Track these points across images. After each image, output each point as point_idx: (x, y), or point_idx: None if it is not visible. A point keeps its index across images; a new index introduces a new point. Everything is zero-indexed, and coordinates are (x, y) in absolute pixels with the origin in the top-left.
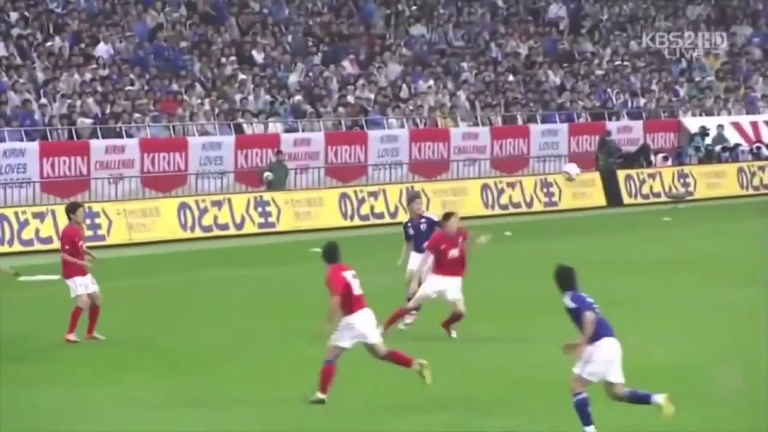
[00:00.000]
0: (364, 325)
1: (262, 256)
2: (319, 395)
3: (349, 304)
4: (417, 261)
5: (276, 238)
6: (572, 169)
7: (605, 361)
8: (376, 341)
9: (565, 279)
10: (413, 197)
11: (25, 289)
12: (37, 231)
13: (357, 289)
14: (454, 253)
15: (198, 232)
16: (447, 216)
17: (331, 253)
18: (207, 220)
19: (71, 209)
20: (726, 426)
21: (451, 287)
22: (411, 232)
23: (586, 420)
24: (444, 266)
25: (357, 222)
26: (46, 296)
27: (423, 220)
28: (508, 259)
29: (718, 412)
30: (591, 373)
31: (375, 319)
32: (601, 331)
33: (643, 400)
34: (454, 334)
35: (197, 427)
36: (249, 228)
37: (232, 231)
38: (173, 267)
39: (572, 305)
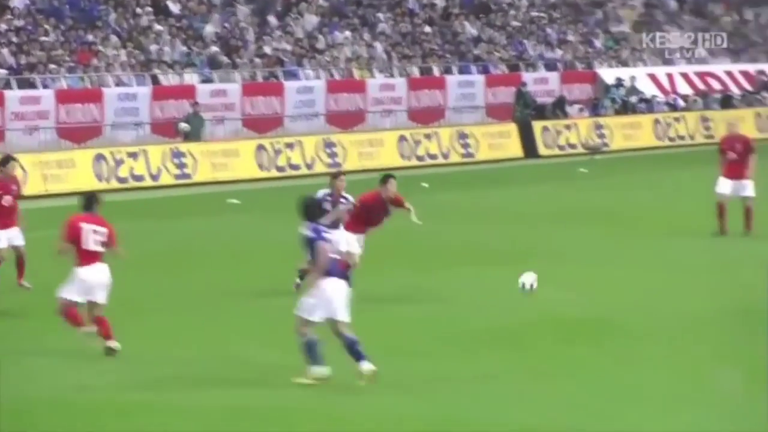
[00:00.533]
0: (94, 282)
1: (178, 208)
2: (83, 329)
3: (77, 255)
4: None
5: (192, 189)
6: (527, 281)
7: (327, 299)
8: (100, 301)
9: (309, 210)
10: (339, 173)
11: None
12: None
13: (90, 244)
14: (381, 217)
15: (114, 183)
16: (386, 179)
17: (85, 203)
18: (123, 172)
19: (2, 162)
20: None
21: (356, 242)
22: (328, 207)
23: (315, 360)
24: (366, 226)
25: (273, 173)
26: None
27: (343, 199)
28: (424, 210)
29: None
30: (315, 315)
31: (107, 277)
32: (329, 270)
33: (355, 356)
34: None
35: (109, 379)
36: (165, 179)
37: (148, 182)
38: None
39: (309, 234)
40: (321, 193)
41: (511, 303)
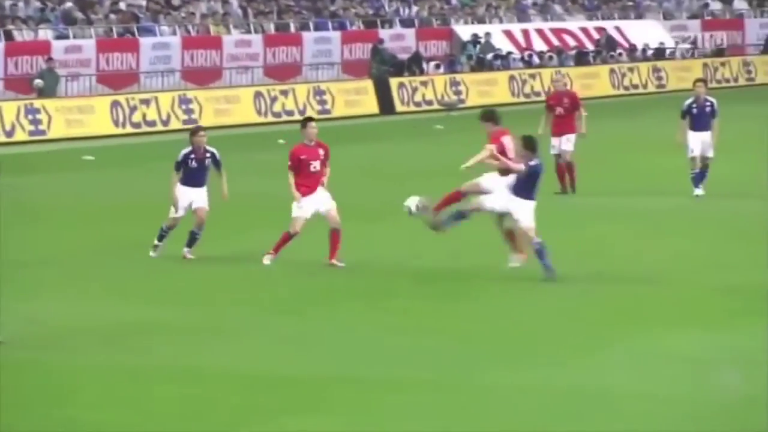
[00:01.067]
0: None
1: (32, 164)
2: None
3: None
4: (191, 195)
5: (47, 146)
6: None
7: None
8: None
9: None
10: (197, 129)
11: None
12: None
13: None
14: (316, 165)
15: None
16: (305, 122)
17: None
18: None
19: None
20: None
21: (322, 199)
22: (194, 165)
23: None
24: (308, 179)
25: (129, 130)
26: None
27: (208, 154)
28: (270, 166)
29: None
30: None
31: None
32: None
33: None
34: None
35: None
36: (19, 136)
37: (2, 139)
38: None
39: None
40: (183, 153)
41: (368, 258)
